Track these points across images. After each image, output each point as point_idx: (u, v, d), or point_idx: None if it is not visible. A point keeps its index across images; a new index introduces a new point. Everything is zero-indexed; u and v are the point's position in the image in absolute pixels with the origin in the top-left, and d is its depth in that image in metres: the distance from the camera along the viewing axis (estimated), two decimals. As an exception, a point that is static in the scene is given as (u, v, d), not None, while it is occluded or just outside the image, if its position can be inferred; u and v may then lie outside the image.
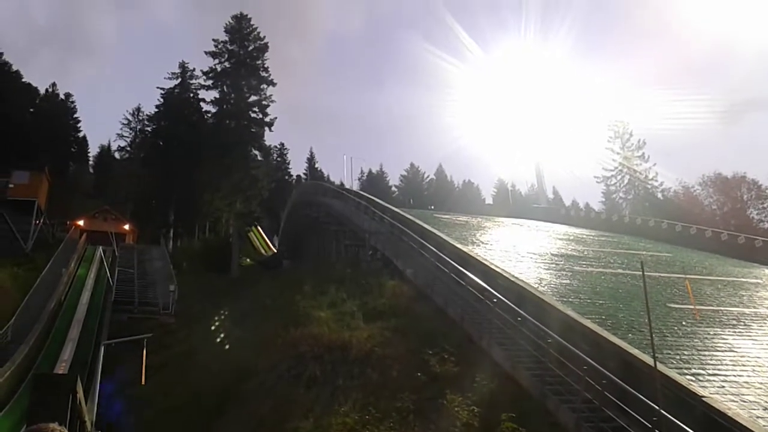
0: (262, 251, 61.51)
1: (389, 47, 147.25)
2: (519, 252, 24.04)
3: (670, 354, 13.15)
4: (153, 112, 63.65)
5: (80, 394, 5.23)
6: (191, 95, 60.83)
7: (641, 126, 59.62)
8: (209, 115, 54.09)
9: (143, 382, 15.64)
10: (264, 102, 51.01)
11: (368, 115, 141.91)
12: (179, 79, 61.85)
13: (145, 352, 15.67)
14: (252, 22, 53.06)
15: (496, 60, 60.96)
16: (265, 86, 51.26)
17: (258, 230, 63.16)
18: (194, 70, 60.42)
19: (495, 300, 14.87)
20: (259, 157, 53.69)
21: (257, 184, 49.47)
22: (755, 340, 15.11)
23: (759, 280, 22.28)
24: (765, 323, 16.68)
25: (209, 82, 51.27)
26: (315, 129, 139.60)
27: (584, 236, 30.70)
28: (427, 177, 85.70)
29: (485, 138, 63.90)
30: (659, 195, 59.56)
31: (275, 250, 58.11)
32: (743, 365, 13.29)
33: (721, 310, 17.35)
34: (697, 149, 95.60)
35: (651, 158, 60.22)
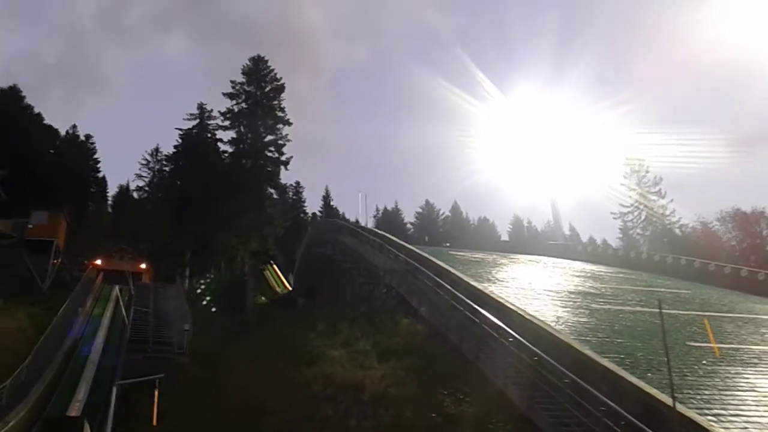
0: (277, 289, 61.43)
1: (399, 83, 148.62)
2: (535, 289, 23.81)
3: (690, 394, 12.84)
4: (171, 152, 64.79)
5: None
6: (209, 135, 61.89)
7: (657, 162, 59.40)
8: (226, 154, 54.90)
9: (155, 423, 15.51)
10: (280, 141, 51.83)
11: (382, 151, 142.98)
12: (197, 120, 63.04)
13: (157, 392, 15.57)
14: (269, 64, 54.17)
15: (512, 98, 61.25)
16: (281, 126, 52.19)
17: (273, 268, 63.28)
18: (212, 111, 61.69)
19: (510, 339, 14.66)
20: (275, 196, 54.29)
21: (272, 223, 49.84)
22: (778, 379, 14.74)
23: (781, 318, 21.83)
24: (788, 362, 16.29)
25: (227, 123, 52.33)
26: (330, 166, 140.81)
27: (602, 273, 30.38)
28: (443, 214, 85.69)
29: (501, 175, 63.92)
30: (677, 231, 59.01)
31: (290, 288, 58.05)
32: (766, 405, 12.93)
33: (742, 348, 16.97)
34: (713, 184, 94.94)
35: (667, 194, 59.98)
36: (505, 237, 77.03)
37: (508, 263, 32.29)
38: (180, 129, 62.87)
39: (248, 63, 54.43)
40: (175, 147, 63.66)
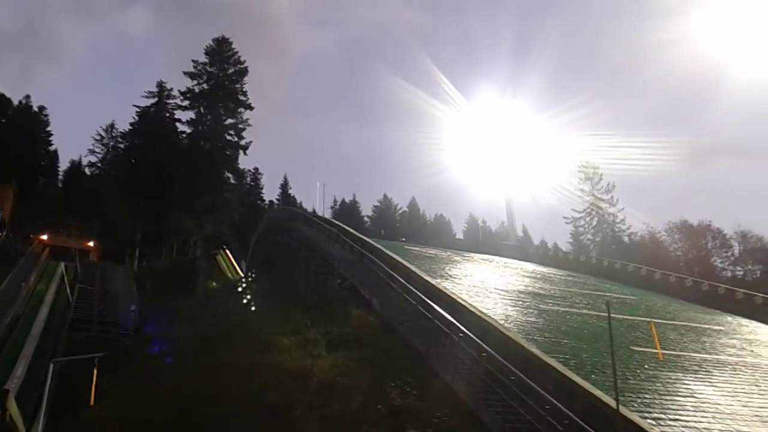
0: (229, 275, 60.62)
1: (365, 77, 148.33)
2: (487, 288, 24.05)
3: (631, 396, 13.14)
4: (127, 130, 63.27)
5: (13, 411, 4.97)
6: (167, 115, 60.63)
7: (610, 168, 61.07)
8: (184, 135, 53.87)
9: (92, 403, 15.11)
10: (240, 125, 51.11)
11: (343, 144, 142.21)
12: (156, 98, 61.69)
13: (96, 371, 15.16)
14: (233, 46, 53.30)
15: (474, 101, 61.61)
16: (242, 110, 51.45)
17: (226, 253, 62.45)
18: (172, 90, 60.42)
19: (461, 334, 14.77)
20: (232, 180, 53.58)
21: (228, 207, 49.20)
22: (716, 386, 15.21)
23: (721, 327, 22.57)
24: (726, 370, 16.83)
25: (186, 103, 51.32)
26: (290, 155, 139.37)
27: (552, 275, 30.89)
28: (400, 209, 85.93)
29: (460, 175, 64.28)
30: (626, 238, 60.67)
31: (242, 275, 57.40)
32: (704, 411, 13.32)
33: (683, 355, 17.47)
34: (664, 193, 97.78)
35: (619, 202, 61.50)
36: (460, 235, 77.71)
37: (461, 261, 32.54)
38: (137, 106, 61.48)
39: (212, 43, 53.49)
40: (132, 124, 62.22)
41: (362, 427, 12.71)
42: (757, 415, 13.58)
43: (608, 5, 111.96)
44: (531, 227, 74.74)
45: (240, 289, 45.70)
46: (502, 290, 23.99)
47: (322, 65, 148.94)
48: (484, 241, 58.67)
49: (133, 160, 59.58)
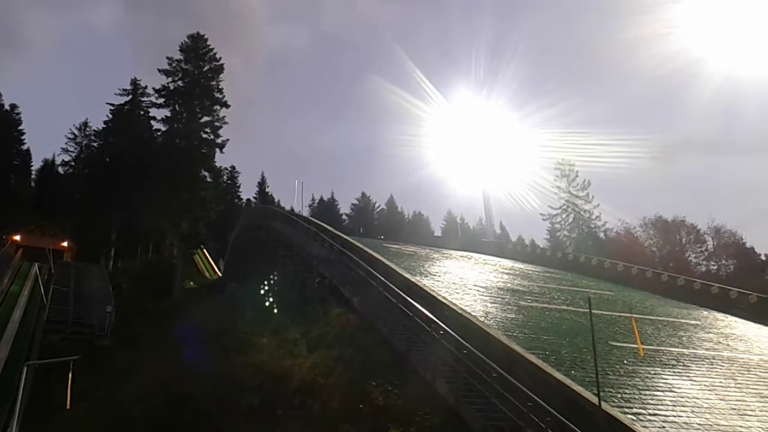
0: (207, 275, 60.14)
1: (341, 75, 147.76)
2: (466, 284, 24.09)
3: (611, 392, 13.23)
4: (101, 128, 62.38)
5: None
6: (142, 113, 59.89)
7: (585, 165, 61.82)
8: (159, 133, 53.18)
9: (69, 407, 14.80)
10: (216, 123, 50.39)
11: (321, 142, 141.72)
12: (130, 96, 60.90)
13: (71, 374, 14.85)
14: (208, 43, 52.65)
15: (452, 99, 61.93)
16: (218, 107, 50.72)
17: (203, 253, 61.92)
18: (146, 87, 59.67)
19: (441, 332, 14.74)
20: (209, 179, 52.89)
21: (205, 206, 48.52)
22: (693, 380, 15.38)
23: (698, 322, 22.86)
24: (703, 364, 17.05)
25: (161, 100, 50.45)
26: (267, 153, 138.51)
27: (530, 272, 31.07)
28: (378, 207, 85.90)
29: (439, 172, 64.57)
30: (602, 234, 61.28)
31: (220, 275, 56.93)
32: (683, 405, 13.46)
33: (661, 350, 17.65)
34: (638, 189, 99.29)
35: (595, 198, 62.14)
36: (438, 233, 77.93)
37: (440, 258, 32.58)
38: (111, 104, 60.75)
39: (187, 40, 52.70)
40: (105, 122, 61.43)
41: (343, 426, 12.63)
42: (734, 408, 13.77)
43: (583, 3, 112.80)
44: (508, 224, 75.42)
45: (218, 289, 45.37)
46: (481, 287, 24.04)
47: (297, 62, 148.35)
48: (463, 238, 58.82)
49: (107, 159, 58.80)
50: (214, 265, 62.34)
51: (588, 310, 11.00)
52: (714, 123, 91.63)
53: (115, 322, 27.21)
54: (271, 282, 31.09)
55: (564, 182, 62.76)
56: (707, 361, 17.46)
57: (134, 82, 61.25)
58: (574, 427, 10.26)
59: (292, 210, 56.01)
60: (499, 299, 21.99)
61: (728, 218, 70.31)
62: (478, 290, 23.30)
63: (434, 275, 25.48)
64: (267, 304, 26.70)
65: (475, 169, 58.47)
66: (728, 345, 20.03)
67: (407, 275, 21.34)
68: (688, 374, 15.83)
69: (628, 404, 12.81)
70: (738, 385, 15.66)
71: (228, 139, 50.93)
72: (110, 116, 60.48)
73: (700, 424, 12.49)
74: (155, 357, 20.31)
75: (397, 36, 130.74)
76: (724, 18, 39.55)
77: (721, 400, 14.27)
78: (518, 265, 33.87)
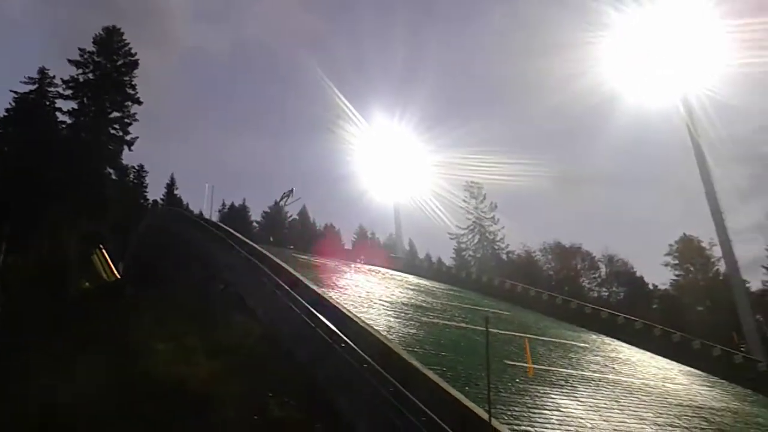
0: (105, 276, 57.58)
1: (260, 83, 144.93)
2: (372, 299, 24.35)
3: (502, 409, 13.73)
4: (1, 116, 58.84)
5: None
6: (48, 103, 56.99)
7: (494, 187, 64.35)
8: (64, 126, 50.87)
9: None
10: (126, 120, 48.84)
11: (235, 148, 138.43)
12: (36, 85, 57.75)
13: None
14: (124, 37, 51.02)
15: (368, 117, 62.54)
16: (130, 103, 49.22)
17: (102, 254, 59.24)
18: (54, 77, 56.85)
19: (343, 345, 14.86)
20: (114, 177, 51.06)
21: (107, 205, 46.73)
22: (580, 401, 16.19)
23: (587, 345, 24.09)
24: (590, 385, 17.97)
25: (69, 92, 48.40)
26: (178, 155, 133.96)
27: (434, 289, 31.76)
28: (290, 217, 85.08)
29: (353, 188, 65.05)
30: (504, 256, 63.66)
31: (119, 277, 54.68)
32: (568, 425, 14.13)
33: (551, 370, 18.48)
34: (542, 214, 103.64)
35: (500, 221, 64.66)
36: (349, 246, 78.09)
37: (348, 271, 32.76)
38: (15, 92, 57.45)
39: (101, 33, 50.87)
40: (7, 110, 57.90)
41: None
42: (615, 429, 14.56)
43: (504, 41, 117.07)
44: (417, 242, 76.54)
45: (116, 292, 43.60)
46: (386, 302, 24.37)
47: (216, 65, 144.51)
48: (372, 252, 59.33)
49: (5, 149, 55.51)
50: (113, 266, 59.80)
51: (487, 329, 11.44)
52: (619, 158, 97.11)
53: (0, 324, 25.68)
54: (173, 287, 30.23)
55: (473, 203, 64.92)
56: (593, 382, 18.43)
57: (42, 71, 58.12)
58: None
59: (201, 214, 54.86)
60: (403, 314, 22.37)
61: (621, 248, 74.89)
62: (383, 305, 23.61)
63: (341, 288, 25.59)
64: (167, 309, 25.92)
65: (388, 186, 59.26)
66: (614, 368, 21.22)
67: (314, 287, 21.31)
68: (575, 395, 16.64)
69: (517, 421, 13.34)
70: (620, 407, 16.60)
71: (137, 137, 49.50)
72: (12, 104, 57.19)
73: (582, 443, 13.20)
74: (43, 364, 19.28)
75: (319, 51, 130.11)
76: (643, 56, 42.05)
77: (604, 420, 15.07)
78: (424, 281, 34.54)
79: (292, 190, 39.35)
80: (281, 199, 38.20)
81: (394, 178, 57.86)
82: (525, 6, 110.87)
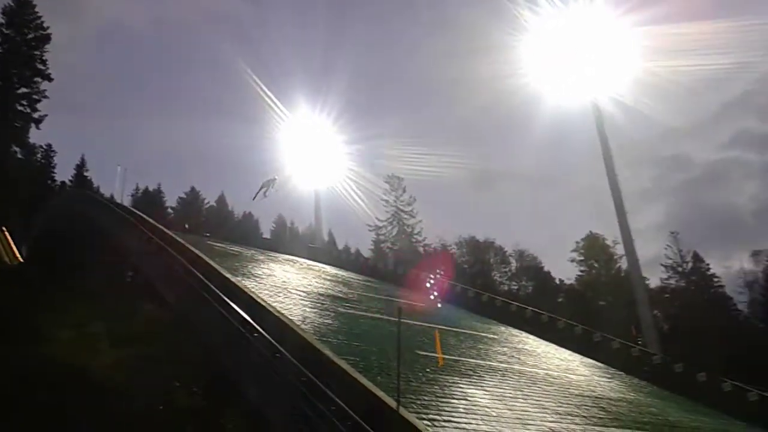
0: (7, 259, 54.43)
1: (182, 64, 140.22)
2: (288, 288, 24.22)
3: (411, 398, 13.97)
4: None
5: None
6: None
7: (413, 182, 65.21)
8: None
9: None
10: (35, 96, 46.50)
11: (154, 131, 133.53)
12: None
13: None
14: (36, 10, 48.36)
15: (291, 105, 61.67)
16: (39, 80, 46.78)
17: (5, 235, 56.00)
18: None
19: (256, 334, 14.69)
20: (20, 155, 48.44)
21: (11, 184, 44.28)
22: (486, 390, 16.70)
23: (495, 336, 24.86)
24: (496, 375, 18.57)
25: (-28, 63, 45.50)
26: (91, 136, 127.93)
27: (352, 280, 31.91)
28: (208, 203, 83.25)
29: (271, 174, 63.93)
30: (421, 249, 64.71)
31: (22, 260, 51.86)
32: (474, 413, 14.54)
33: (461, 360, 18.96)
34: (458, 209, 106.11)
35: (418, 214, 65.71)
36: (267, 235, 77.13)
37: (265, 260, 32.42)
38: None
39: (11, 3, 48.07)
40: None
41: (140, 428, 12.14)
42: (519, 418, 15.11)
43: (428, 41, 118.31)
44: (337, 233, 76.49)
45: (17, 275, 41.36)
46: (303, 291, 24.29)
47: (134, 43, 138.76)
48: (291, 242, 58.91)
49: None
50: (15, 249, 56.65)
51: (399, 320, 11.59)
52: (537, 156, 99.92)
53: None
54: (80, 273, 28.98)
55: (392, 196, 65.58)
56: (500, 372, 19.05)
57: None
58: (369, 429, 10.74)
59: (112, 198, 52.80)
60: (319, 304, 22.36)
61: (531, 244, 77.74)
62: (299, 294, 23.51)
63: (257, 277, 25.31)
64: (71, 294, 24.84)
65: (309, 175, 58.74)
66: (520, 359, 22.00)
67: (228, 275, 20.92)
68: (482, 384, 17.15)
69: (426, 410, 13.61)
70: (524, 396, 17.25)
71: (47, 115, 47.15)
72: None
73: (487, 431, 13.60)
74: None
75: (243, 36, 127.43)
76: (561, 60, 43.38)
77: (508, 409, 15.61)
78: (342, 272, 34.62)
79: (274, 179, 38.06)
80: (261, 188, 36.92)
81: (316, 168, 57.41)
82: (452, 8, 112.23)
